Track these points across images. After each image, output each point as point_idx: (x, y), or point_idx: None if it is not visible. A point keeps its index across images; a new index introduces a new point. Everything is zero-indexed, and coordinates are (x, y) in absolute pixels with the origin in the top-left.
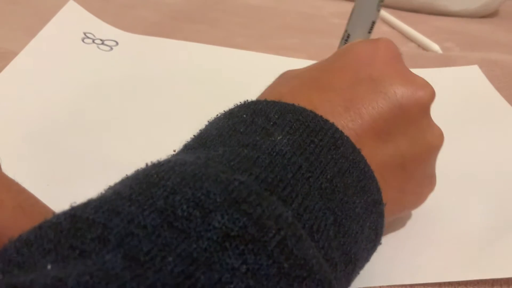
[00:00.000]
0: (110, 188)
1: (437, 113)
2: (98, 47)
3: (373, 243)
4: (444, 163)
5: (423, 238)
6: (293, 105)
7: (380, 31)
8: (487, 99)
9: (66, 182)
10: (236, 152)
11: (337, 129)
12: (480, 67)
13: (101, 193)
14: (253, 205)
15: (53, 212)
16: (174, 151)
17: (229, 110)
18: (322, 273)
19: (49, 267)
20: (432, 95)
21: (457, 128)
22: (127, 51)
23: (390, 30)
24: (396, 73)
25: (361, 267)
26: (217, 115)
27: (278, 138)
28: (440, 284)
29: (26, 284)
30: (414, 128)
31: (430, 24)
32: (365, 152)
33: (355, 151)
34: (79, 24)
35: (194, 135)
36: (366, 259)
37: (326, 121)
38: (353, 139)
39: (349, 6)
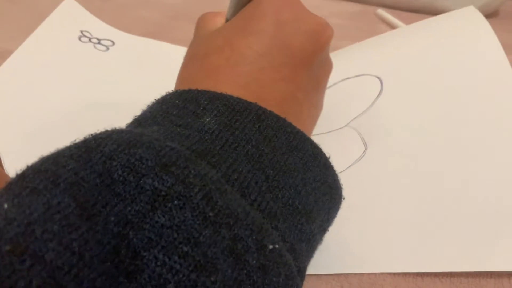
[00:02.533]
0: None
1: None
2: (95, 47)
3: (329, 195)
4: (442, 142)
5: (425, 228)
6: (221, 93)
7: (380, 31)
8: (487, 49)
9: None
10: (169, 130)
11: (260, 107)
12: None
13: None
14: (181, 167)
15: None
16: None
17: (162, 97)
18: (250, 219)
19: (5, 206)
20: (333, 31)
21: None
22: (123, 52)
23: (390, 30)
24: (308, 14)
25: (324, 220)
26: (151, 102)
27: (207, 120)
28: (437, 274)
29: None
30: (322, 56)
31: None
32: (296, 83)
33: (280, 120)
34: (76, 21)
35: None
36: (328, 213)
37: (250, 102)
38: (289, 74)
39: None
